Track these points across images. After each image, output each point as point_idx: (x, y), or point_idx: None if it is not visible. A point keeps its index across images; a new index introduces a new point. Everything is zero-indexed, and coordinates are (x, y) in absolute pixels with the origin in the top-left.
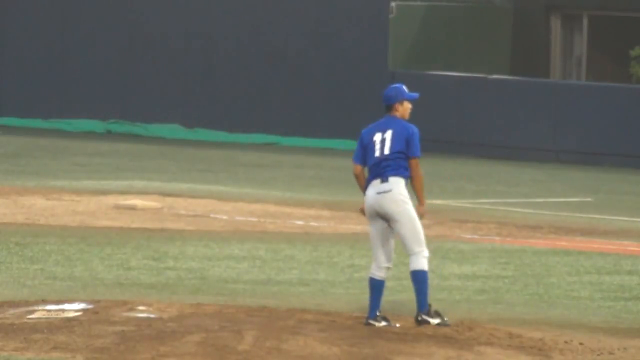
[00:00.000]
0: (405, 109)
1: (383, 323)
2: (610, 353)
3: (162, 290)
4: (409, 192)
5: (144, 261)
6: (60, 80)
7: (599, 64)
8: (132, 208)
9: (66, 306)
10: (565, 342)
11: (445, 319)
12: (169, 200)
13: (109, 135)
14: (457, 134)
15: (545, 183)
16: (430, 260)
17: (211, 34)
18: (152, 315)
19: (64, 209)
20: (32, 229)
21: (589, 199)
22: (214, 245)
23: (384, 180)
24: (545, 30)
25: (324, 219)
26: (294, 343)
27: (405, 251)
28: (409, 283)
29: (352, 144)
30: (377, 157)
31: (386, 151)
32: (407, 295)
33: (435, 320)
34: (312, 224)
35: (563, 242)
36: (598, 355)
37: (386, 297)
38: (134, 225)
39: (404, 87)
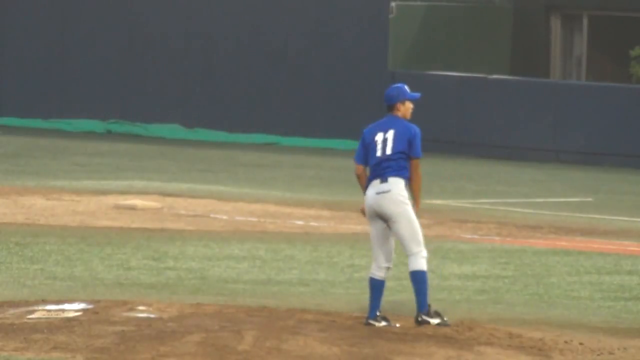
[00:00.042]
0: (407, 108)
1: (383, 323)
2: (610, 353)
3: (162, 290)
4: (408, 192)
5: (144, 261)
6: (60, 80)
7: (599, 64)
8: (132, 208)
9: (66, 306)
10: (565, 342)
11: (445, 319)
12: (169, 200)
13: (109, 135)
14: (457, 134)
15: (545, 183)
16: (430, 260)
17: (211, 34)
18: (152, 315)
19: (64, 209)
20: (32, 229)
21: (589, 199)
22: (214, 245)
23: (384, 180)
24: (545, 30)
25: (324, 219)
26: (294, 343)
27: (404, 252)
28: (408, 283)
29: (352, 144)
30: (378, 157)
31: (388, 151)
32: (407, 295)
33: (435, 321)
34: (312, 224)
35: (563, 242)
36: (598, 355)
37: (386, 297)
38: (134, 225)
39: (406, 87)
